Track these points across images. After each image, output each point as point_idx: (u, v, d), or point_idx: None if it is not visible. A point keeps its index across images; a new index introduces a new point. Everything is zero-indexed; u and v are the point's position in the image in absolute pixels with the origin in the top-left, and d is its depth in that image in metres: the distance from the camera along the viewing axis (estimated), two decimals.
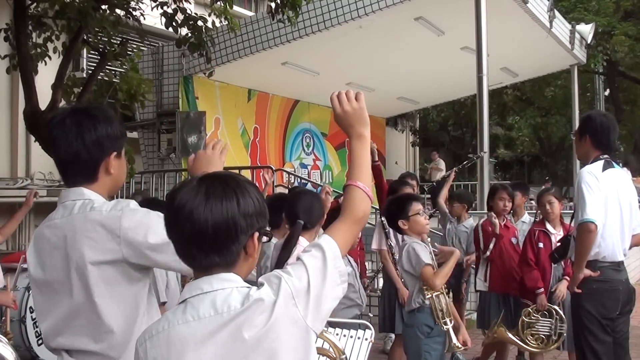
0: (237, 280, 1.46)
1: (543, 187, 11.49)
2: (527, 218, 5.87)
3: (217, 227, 1.42)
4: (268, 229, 1.55)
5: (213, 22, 7.05)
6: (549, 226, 4.93)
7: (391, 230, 5.44)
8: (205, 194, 1.43)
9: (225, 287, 1.44)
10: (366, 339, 2.79)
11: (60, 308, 1.95)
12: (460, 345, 3.77)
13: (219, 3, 6.77)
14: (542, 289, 4.72)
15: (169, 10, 6.46)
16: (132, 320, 1.91)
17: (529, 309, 4.78)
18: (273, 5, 6.47)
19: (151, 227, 1.86)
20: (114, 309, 1.89)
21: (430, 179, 14.28)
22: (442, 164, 15.29)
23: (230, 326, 1.40)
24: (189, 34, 6.53)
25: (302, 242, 3.24)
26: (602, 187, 3.62)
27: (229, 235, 1.43)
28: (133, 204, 1.94)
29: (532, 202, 16.31)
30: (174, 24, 6.33)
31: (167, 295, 3.72)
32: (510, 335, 4.82)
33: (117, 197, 2.28)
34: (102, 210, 1.90)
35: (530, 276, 4.83)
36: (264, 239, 1.52)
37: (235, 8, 10.56)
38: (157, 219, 1.87)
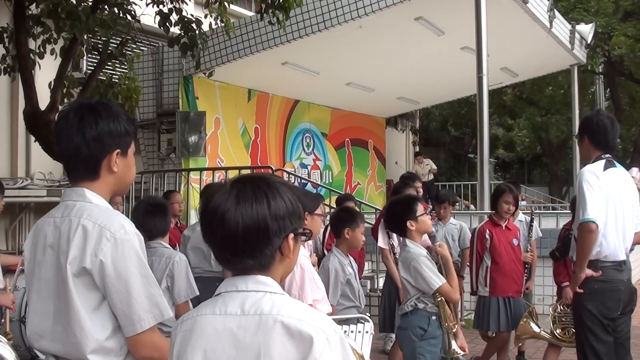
0: (272, 285, 1.46)
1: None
2: (522, 217, 5.88)
3: (248, 231, 1.42)
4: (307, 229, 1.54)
5: (210, 24, 7.03)
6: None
7: None
8: (236, 197, 1.44)
9: (260, 289, 1.44)
10: (367, 332, 2.79)
11: (46, 308, 1.92)
12: (459, 351, 3.79)
13: (216, 4, 6.75)
14: (567, 282, 4.77)
15: (165, 10, 6.45)
16: (117, 333, 1.89)
17: (557, 303, 4.86)
18: (263, 6, 6.44)
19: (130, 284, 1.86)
20: (95, 320, 1.87)
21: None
22: (432, 164, 15.19)
23: (250, 330, 1.40)
24: (182, 34, 6.51)
25: None
26: (603, 186, 3.61)
27: (260, 239, 1.43)
28: (120, 245, 1.87)
29: (533, 203, 16.39)
30: (167, 24, 6.31)
31: (180, 296, 3.72)
32: (537, 329, 4.87)
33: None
34: (91, 230, 1.87)
35: (555, 271, 5.02)
36: (303, 238, 1.52)
37: (236, 8, 10.57)
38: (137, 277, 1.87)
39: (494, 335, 5.47)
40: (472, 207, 15.18)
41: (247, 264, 1.45)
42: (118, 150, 1.98)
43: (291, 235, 1.47)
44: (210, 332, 1.43)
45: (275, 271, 1.48)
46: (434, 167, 15.12)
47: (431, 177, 14.79)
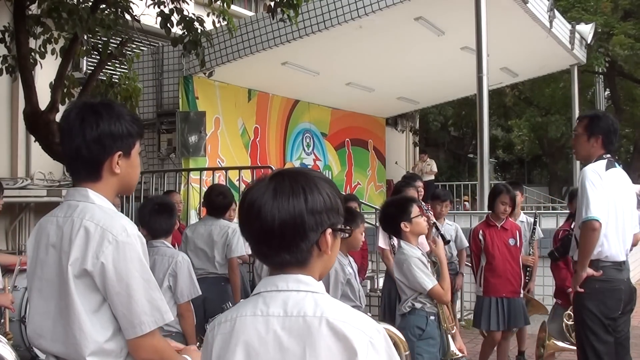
0: (312, 284, 1.44)
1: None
2: (524, 218, 5.88)
3: (284, 225, 1.40)
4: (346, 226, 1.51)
5: (213, 22, 7.04)
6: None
7: None
8: (274, 191, 1.42)
9: (301, 289, 1.42)
10: None
11: (46, 308, 1.91)
12: (458, 353, 3.79)
13: (217, 3, 6.75)
14: None
15: (166, 10, 6.44)
16: (117, 335, 1.88)
17: (569, 311, 4.74)
18: (272, 4, 6.44)
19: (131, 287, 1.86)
20: (95, 322, 1.86)
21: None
22: (434, 165, 15.14)
23: (294, 332, 1.38)
24: (185, 34, 6.51)
25: None
26: (605, 185, 3.61)
27: (296, 233, 1.41)
28: (122, 248, 1.85)
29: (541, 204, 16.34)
30: (168, 24, 6.31)
31: (183, 295, 3.72)
32: (562, 344, 4.80)
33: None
34: (93, 232, 1.86)
35: (559, 276, 4.88)
36: (342, 234, 1.49)
37: (235, 8, 10.58)
38: (139, 281, 1.86)
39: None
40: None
41: (283, 259, 1.43)
42: (120, 152, 1.95)
43: (329, 231, 1.44)
44: (253, 334, 1.40)
45: (314, 268, 1.46)
46: (435, 169, 15.09)
47: (431, 177, 14.75)
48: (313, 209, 1.41)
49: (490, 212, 5.44)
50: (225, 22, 6.88)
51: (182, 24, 6.44)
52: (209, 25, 7.03)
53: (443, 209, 6.24)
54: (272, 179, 1.45)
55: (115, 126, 1.93)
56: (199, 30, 6.52)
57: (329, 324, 1.35)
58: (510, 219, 5.45)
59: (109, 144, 1.93)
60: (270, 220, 1.40)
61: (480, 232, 5.29)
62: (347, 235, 1.51)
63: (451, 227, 6.26)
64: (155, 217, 3.80)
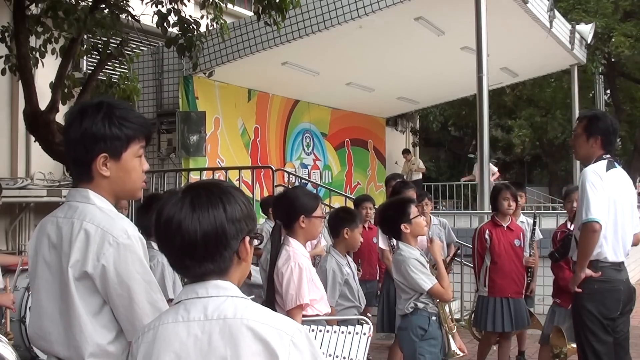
0: (231, 289, 1.47)
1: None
2: (524, 218, 5.87)
3: (207, 236, 1.44)
4: (259, 232, 1.57)
5: (207, 25, 7.03)
6: (570, 225, 4.90)
7: None
8: (191, 205, 1.45)
9: (220, 294, 1.45)
10: (364, 334, 2.78)
11: (47, 309, 1.90)
12: (459, 352, 3.79)
13: (212, 5, 6.73)
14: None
15: (163, 10, 6.43)
16: (120, 337, 1.87)
17: None
18: (260, 8, 6.41)
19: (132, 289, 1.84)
20: (96, 324, 1.84)
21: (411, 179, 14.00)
22: (420, 163, 15.05)
23: (214, 335, 1.40)
24: (179, 35, 6.49)
25: (292, 242, 3.30)
26: (605, 186, 3.61)
27: (219, 242, 1.45)
28: (123, 250, 1.82)
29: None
30: (165, 24, 6.30)
31: (175, 292, 3.70)
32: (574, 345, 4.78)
33: None
34: (94, 234, 1.83)
35: (562, 276, 4.87)
36: (255, 242, 1.55)
37: (236, 8, 10.57)
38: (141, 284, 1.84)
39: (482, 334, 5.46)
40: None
41: (206, 269, 1.46)
42: (104, 154, 1.88)
43: (247, 239, 1.49)
44: (174, 340, 1.43)
45: (233, 275, 1.50)
46: (422, 166, 15.02)
47: (419, 176, 14.66)
48: (232, 218, 1.46)
49: (494, 212, 5.42)
50: (219, 25, 6.86)
51: (179, 26, 6.43)
52: (205, 26, 7.01)
53: (424, 208, 6.21)
54: (186, 193, 1.49)
55: (97, 127, 1.86)
56: (194, 33, 6.50)
57: (249, 326, 1.38)
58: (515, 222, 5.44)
59: (89, 145, 1.87)
60: (192, 233, 1.43)
61: (487, 231, 5.25)
62: (259, 242, 1.55)
63: (437, 225, 6.21)
64: (143, 214, 3.74)
